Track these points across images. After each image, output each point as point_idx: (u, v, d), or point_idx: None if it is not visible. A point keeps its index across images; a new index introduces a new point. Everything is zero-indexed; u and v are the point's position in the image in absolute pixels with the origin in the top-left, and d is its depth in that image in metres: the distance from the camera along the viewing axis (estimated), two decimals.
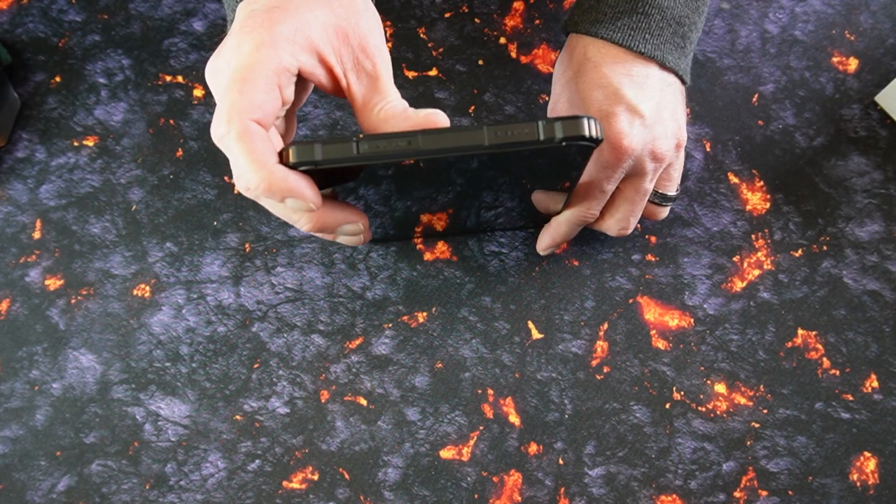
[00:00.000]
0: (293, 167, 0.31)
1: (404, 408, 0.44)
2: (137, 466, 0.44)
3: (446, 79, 0.50)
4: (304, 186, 0.31)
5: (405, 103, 0.34)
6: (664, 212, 0.44)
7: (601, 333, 0.45)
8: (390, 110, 0.34)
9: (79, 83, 0.50)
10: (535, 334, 0.45)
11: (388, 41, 0.50)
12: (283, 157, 0.31)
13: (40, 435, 0.44)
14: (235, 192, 0.48)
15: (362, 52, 0.34)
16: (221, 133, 0.30)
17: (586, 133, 0.30)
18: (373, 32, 0.34)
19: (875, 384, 0.44)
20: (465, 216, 0.42)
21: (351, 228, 0.37)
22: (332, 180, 0.34)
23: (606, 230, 0.43)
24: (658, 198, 0.43)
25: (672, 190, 0.43)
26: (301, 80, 0.34)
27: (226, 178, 0.48)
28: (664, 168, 0.41)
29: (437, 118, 0.33)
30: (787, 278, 0.46)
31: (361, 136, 0.30)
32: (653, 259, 0.46)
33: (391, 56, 0.50)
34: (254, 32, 0.31)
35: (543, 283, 0.46)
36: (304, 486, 0.43)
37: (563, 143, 0.30)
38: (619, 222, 0.42)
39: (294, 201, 0.31)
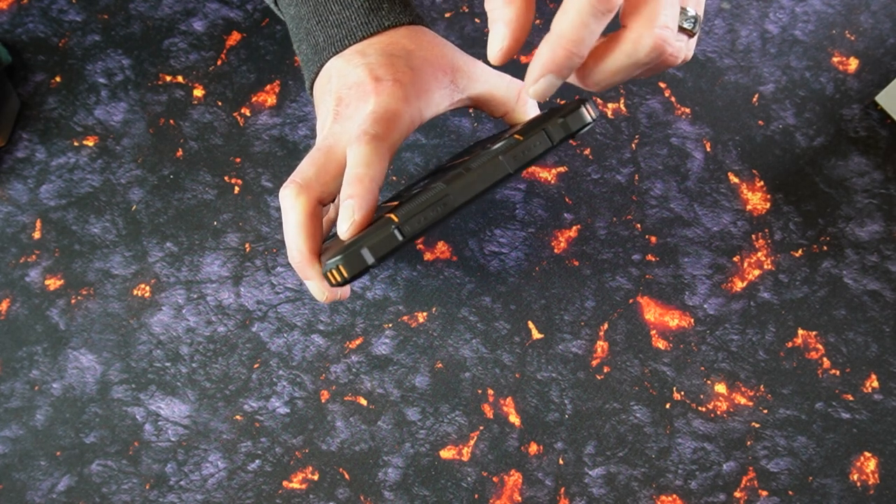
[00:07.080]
0: (350, 280, 0.31)
1: (404, 408, 0.44)
2: (137, 466, 0.44)
3: None
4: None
5: (521, 100, 0.39)
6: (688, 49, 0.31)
7: (601, 333, 0.45)
8: (514, 114, 0.40)
9: (79, 83, 0.50)
10: (535, 334, 0.45)
11: None
12: (333, 279, 0.31)
13: (40, 435, 0.44)
14: (236, 192, 0.48)
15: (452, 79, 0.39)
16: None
17: (589, 120, 0.32)
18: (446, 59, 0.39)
19: (875, 384, 0.44)
20: None
21: None
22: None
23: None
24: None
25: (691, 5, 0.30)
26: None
27: (226, 178, 0.48)
28: None
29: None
30: (787, 278, 0.46)
31: (394, 216, 0.30)
32: (653, 259, 0.46)
33: None
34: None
35: (543, 283, 0.46)
36: (304, 486, 0.43)
37: (573, 134, 0.32)
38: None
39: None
